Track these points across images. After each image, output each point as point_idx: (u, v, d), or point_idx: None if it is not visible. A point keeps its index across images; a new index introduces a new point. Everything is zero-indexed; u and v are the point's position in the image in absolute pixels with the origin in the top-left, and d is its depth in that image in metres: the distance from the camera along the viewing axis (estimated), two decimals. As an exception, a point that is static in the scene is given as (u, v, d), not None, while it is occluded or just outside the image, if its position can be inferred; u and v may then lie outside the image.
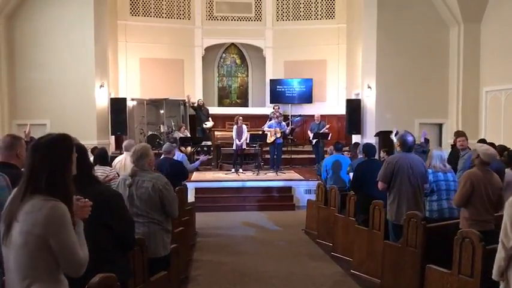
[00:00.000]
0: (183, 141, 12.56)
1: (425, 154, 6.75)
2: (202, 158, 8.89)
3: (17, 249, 2.02)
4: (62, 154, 2.16)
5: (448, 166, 5.54)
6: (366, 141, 11.50)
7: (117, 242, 2.85)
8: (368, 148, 6.52)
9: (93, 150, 8.07)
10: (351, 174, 6.89)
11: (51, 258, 2.04)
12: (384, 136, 11.18)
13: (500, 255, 2.99)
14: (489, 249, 3.67)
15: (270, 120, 13.15)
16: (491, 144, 6.74)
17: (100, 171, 5.45)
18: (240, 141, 11.69)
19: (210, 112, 14.74)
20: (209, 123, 14.09)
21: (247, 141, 11.78)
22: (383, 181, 5.19)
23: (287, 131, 12.63)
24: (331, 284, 5.64)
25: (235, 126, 11.87)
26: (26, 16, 11.95)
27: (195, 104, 14.43)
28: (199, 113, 14.25)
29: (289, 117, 15.38)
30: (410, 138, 5.25)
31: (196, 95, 15.22)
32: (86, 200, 2.29)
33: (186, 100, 14.46)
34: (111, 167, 6.10)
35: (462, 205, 4.54)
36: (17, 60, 11.94)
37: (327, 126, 13.03)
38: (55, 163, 2.11)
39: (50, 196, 2.04)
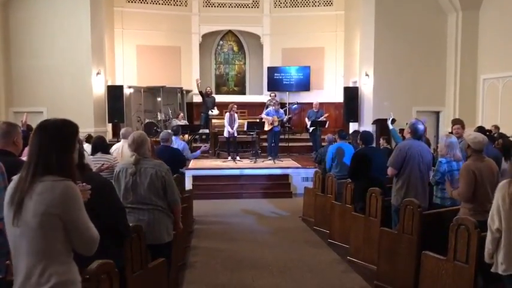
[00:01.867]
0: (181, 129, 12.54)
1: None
2: (203, 147, 8.90)
3: (32, 231, 2.01)
4: (70, 136, 2.19)
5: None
6: (363, 129, 11.51)
7: (107, 230, 2.85)
8: (365, 136, 6.53)
9: (89, 138, 8.08)
10: None
11: (65, 240, 2.07)
12: (381, 124, 11.20)
13: (488, 238, 3.12)
14: (484, 235, 3.71)
15: (267, 108, 13.12)
16: (489, 131, 6.78)
17: (104, 159, 5.40)
18: (232, 128, 11.66)
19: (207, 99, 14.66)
20: (215, 111, 14.05)
21: (245, 129, 11.76)
22: (394, 167, 5.22)
23: (285, 119, 12.61)
24: (328, 270, 5.69)
25: (227, 114, 11.82)
26: (21, 3, 11.82)
27: (203, 91, 14.32)
28: (206, 100, 14.16)
29: (287, 104, 15.36)
30: (421, 127, 5.33)
31: (193, 83, 15.14)
32: (84, 184, 2.32)
33: (196, 84, 14.33)
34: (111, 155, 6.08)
35: (469, 199, 4.41)
36: (13, 48, 11.85)
37: (326, 114, 13.03)
38: (64, 144, 2.14)
39: (59, 176, 2.06)
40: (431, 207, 5.20)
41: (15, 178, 2.14)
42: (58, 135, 2.13)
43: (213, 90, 16.80)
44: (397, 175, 5.25)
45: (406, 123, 5.57)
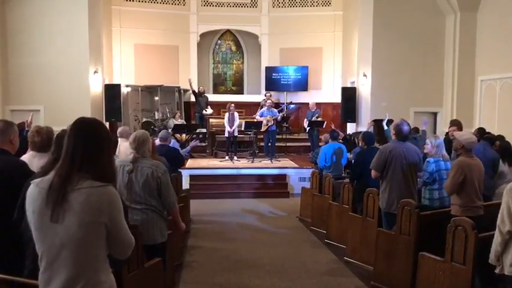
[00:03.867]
0: (178, 129, 12.53)
1: (416, 141, 6.77)
2: (192, 143, 8.88)
3: (77, 241, 1.90)
4: (109, 136, 2.09)
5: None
6: (360, 129, 11.52)
7: None
8: (367, 137, 6.56)
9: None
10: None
11: (106, 246, 2.00)
12: (379, 124, 11.20)
13: (496, 240, 3.10)
14: (481, 237, 3.71)
15: (261, 108, 13.10)
16: (488, 133, 6.78)
17: None
18: (231, 128, 11.66)
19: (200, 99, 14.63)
20: (209, 110, 14.05)
21: (243, 128, 11.75)
22: (376, 169, 5.22)
23: (279, 117, 12.58)
24: (325, 271, 5.68)
25: (227, 114, 11.83)
26: (19, 0, 11.76)
27: (197, 90, 14.30)
28: (199, 99, 14.15)
29: (283, 104, 15.34)
30: (406, 128, 5.26)
31: (186, 82, 15.11)
32: None
33: (188, 83, 14.30)
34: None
35: (453, 193, 4.62)
36: (10, 46, 11.78)
37: (317, 114, 12.96)
38: (106, 145, 2.04)
39: (100, 181, 1.94)
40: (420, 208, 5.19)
41: (38, 181, 1.99)
42: (99, 136, 2.02)
43: (211, 90, 16.84)
44: (381, 178, 5.24)
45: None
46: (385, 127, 7.48)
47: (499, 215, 3.09)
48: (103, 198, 1.93)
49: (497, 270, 3.14)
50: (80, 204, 1.89)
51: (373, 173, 5.27)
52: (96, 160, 1.97)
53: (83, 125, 2.03)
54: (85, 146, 1.96)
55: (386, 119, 7.74)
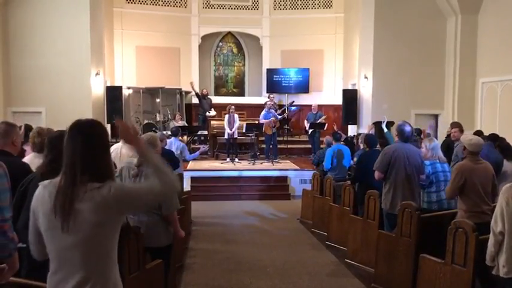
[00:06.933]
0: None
1: (416, 143, 6.77)
2: (202, 148, 8.91)
3: (88, 242, 1.92)
4: (106, 135, 2.11)
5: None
6: (361, 131, 11.52)
7: None
8: (370, 139, 6.57)
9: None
10: None
11: (116, 245, 2.03)
12: (379, 126, 11.21)
13: (490, 241, 3.13)
14: (482, 239, 3.72)
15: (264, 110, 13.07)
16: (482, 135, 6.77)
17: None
18: (231, 130, 11.66)
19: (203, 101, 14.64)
20: (213, 112, 14.08)
21: (244, 130, 11.75)
22: (380, 170, 5.22)
23: (279, 117, 12.55)
24: (326, 272, 5.69)
25: (227, 115, 11.85)
26: (21, 2, 11.79)
27: (200, 93, 14.32)
28: (202, 102, 14.17)
29: (285, 105, 15.36)
30: (407, 129, 5.27)
31: (189, 86, 15.13)
32: None
33: (191, 86, 14.32)
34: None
35: (453, 197, 4.62)
36: (12, 48, 11.80)
37: (324, 117, 13.01)
38: (103, 144, 2.07)
39: (102, 180, 1.96)
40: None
41: (47, 183, 2.02)
42: (96, 137, 2.04)
43: (212, 92, 16.83)
44: (385, 179, 5.24)
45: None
46: (385, 129, 7.49)
47: (493, 216, 3.13)
48: (108, 195, 1.92)
49: (493, 271, 3.18)
50: (87, 207, 1.90)
51: (376, 174, 5.27)
52: (97, 161, 1.99)
53: (78, 128, 2.03)
54: (83, 148, 1.97)
55: (384, 122, 7.76)
